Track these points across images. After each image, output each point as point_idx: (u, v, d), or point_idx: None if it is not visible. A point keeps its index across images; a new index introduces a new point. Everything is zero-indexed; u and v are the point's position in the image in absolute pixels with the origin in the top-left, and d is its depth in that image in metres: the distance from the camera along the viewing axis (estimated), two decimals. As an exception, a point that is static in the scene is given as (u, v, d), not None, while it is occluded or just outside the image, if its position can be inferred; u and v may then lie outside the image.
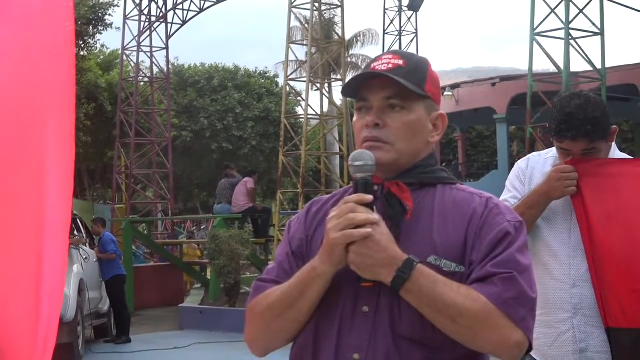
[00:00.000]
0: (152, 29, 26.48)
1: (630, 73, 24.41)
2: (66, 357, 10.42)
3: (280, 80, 39.72)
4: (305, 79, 20.87)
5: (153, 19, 26.46)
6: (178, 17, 27.17)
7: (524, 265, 1.95)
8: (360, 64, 37.25)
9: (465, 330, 1.90)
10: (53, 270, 2.34)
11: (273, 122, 37.40)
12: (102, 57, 31.62)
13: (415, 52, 22.74)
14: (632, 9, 21.00)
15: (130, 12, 26.20)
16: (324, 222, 2.06)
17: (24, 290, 2.30)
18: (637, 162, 3.36)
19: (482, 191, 2.10)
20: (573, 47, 18.68)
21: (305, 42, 23.02)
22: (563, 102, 3.27)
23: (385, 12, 31.53)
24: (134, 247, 20.38)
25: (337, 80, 26.99)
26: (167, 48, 26.66)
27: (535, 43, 18.95)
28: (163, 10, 26.62)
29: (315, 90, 22.25)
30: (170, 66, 28.54)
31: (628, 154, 3.57)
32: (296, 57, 25.36)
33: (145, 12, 26.27)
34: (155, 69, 27.01)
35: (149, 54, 26.50)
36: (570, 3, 18.44)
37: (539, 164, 3.46)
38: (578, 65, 21.87)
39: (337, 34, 24.79)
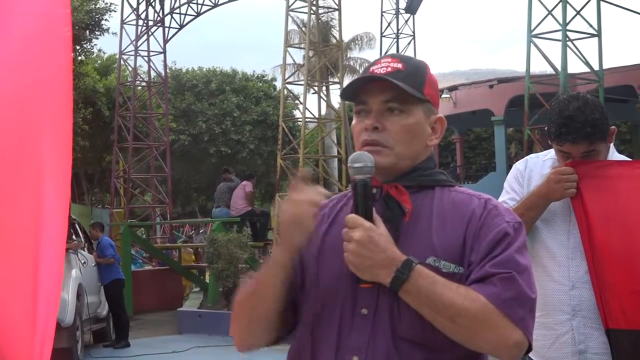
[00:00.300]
0: (150, 33, 26.52)
1: (627, 74, 24.44)
2: (65, 361, 10.40)
3: (278, 84, 39.74)
4: (303, 82, 20.90)
5: (150, 23, 26.50)
6: (175, 21, 27.23)
7: (523, 266, 1.95)
8: (357, 67, 37.29)
9: (465, 331, 1.89)
10: (50, 274, 2.34)
11: (271, 125, 37.41)
12: (99, 61, 31.64)
13: (412, 55, 22.79)
14: (629, 11, 21.05)
15: (128, 16, 26.25)
16: (319, 226, 2.08)
17: (21, 294, 2.30)
18: (636, 164, 3.37)
19: (481, 193, 2.10)
20: (570, 48, 18.72)
21: (302, 46, 23.02)
22: (561, 105, 3.26)
23: (382, 15, 31.59)
24: (133, 252, 20.36)
25: (334, 83, 27.00)
26: (164, 52, 26.68)
27: (532, 45, 18.99)
28: (160, 14, 26.65)
29: (313, 93, 22.32)
30: (167, 70, 28.57)
31: (626, 155, 3.57)
32: (294, 61, 25.41)
33: (143, 16, 26.31)
34: (153, 73, 27.05)
35: (146, 58, 26.55)
36: (567, 5, 18.49)
37: (537, 166, 3.45)
38: (575, 66, 22.00)
39: (335, 37, 24.83)
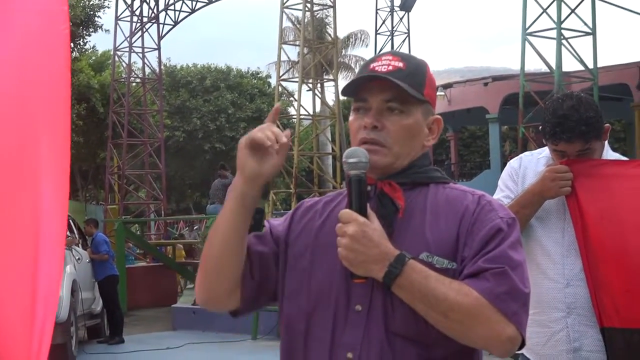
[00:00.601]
0: (144, 29, 26.47)
1: (622, 73, 24.48)
2: (59, 357, 10.37)
3: (273, 81, 39.76)
4: (297, 79, 20.89)
5: (145, 19, 26.43)
6: (170, 17, 27.18)
7: (517, 261, 1.95)
8: (352, 64, 37.30)
9: (457, 325, 1.89)
10: (49, 273, 2.34)
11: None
12: (94, 58, 31.59)
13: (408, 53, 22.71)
14: (623, 9, 21.07)
15: (122, 12, 26.19)
16: (307, 226, 2.13)
17: (20, 293, 2.30)
18: (630, 163, 3.37)
19: (475, 189, 2.10)
20: (565, 46, 18.73)
21: (297, 43, 23.04)
22: (555, 105, 3.25)
23: (377, 13, 31.57)
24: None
25: (329, 80, 27.03)
26: (159, 49, 26.64)
27: (527, 43, 19.00)
28: (155, 11, 26.60)
29: (308, 90, 22.28)
30: (162, 67, 28.52)
31: (620, 154, 3.57)
32: (288, 58, 25.39)
33: (137, 12, 26.24)
34: (147, 70, 26.99)
35: (140, 55, 26.49)
36: (562, 3, 18.49)
37: (532, 164, 3.45)
38: (570, 65, 21.97)
39: (330, 35, 24.82)
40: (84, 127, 27.57)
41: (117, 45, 25.95)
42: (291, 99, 35.08)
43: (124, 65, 27.34)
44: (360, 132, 2.07)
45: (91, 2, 26.70)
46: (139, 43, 26.30)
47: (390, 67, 2.06)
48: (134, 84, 27.32)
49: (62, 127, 2.41)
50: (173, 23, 27.17)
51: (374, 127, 2.05)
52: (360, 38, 37.76)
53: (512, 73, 29.89)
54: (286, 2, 21.34)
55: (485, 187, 2.55)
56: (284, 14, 21.79)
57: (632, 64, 24.87)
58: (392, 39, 31.59)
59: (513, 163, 3.52)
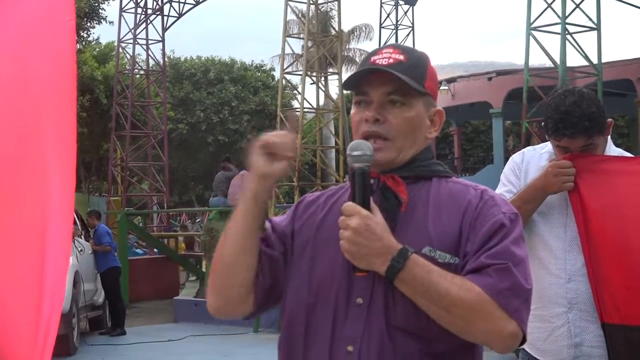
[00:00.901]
0: (148, 21, 26.46)
1: (626, 68, 24.45)
2: (61, 348, 10.42)
3: (277, 74, 39.70)
4: (301, 73, 20.88)
5: (149, 11, 26.42)
6: (174, 9, 27.16)
7: (519, 257, 1.95)
8: (356, 58, 37.25)
9: (459, 320, 1.89)
10: (56, 267, 2.34)
11: (269, 115, 37.36)
12: (98, 49, 31.57)
13: (412, 46, 22.68)
14: (628, 4, 21.04)
15: (126, 4, 26.18)
16: (309, 220, 2.13)
17: (27, 287, 2.30)
18: (633, 160, 3.36)
19: (478, 184, 2.10)
20: (569, 42, 18.71)
21: (301, 36, 22.99)
22: (557, 100, 3.24)
23: (381, 6, 31.56)
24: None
25: (333, 73, 26.98)
26: (163, 41, 26.63)
27: (531, 38, 18.97)
28: (159, 2, 26.59)
29: (312, 83, 22.28)
30: (166, 59, 28.50)
31: (624, 149, 3.56)
32: (292, 51, 25.35)
33: (142, 4, 26.23)
34: (151, 62, 26.99)
35: (145, 47, 26.48)
36: (567, -2, 18.46)
37: (534, 158, 3.45)
38: (574, 60, 21.98)
39: (334, 28, 24.80)
40: (88, 118, 27.58)
41: (121, 37, 25.95)
42: (295, 92, 35.03)
43: (128, 57, 27.34)
44: (362, 125, 2.07)
45: (96, -6, 26.69)
46: (143, 35, 26.31)
47: (391, 60, 2.06)
48: (137, 75, 27.33)
49: (68, 118, 2.41)
50: (177, 15, 27.15)
51: (375, 120, 2.04)
52: (365, 31, 37.73)
53: (516, 68, 29.81)
54: (291, -5, 21.32)
55: (488, 182, 2.55)
56: (288, 6, 21.78)
57: (637, 60, 24.84)
58: (396, 33, 31.58)
59: (515, 158, 3.52)
